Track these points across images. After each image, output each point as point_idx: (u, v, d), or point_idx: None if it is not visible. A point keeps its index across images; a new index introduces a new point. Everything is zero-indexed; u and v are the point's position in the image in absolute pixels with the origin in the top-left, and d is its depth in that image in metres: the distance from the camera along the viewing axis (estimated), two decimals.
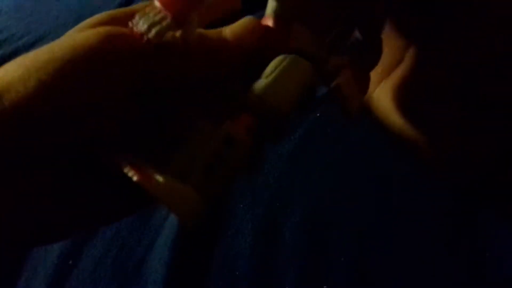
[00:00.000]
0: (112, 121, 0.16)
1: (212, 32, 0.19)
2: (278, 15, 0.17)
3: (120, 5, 0.79)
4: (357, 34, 0.19)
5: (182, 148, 0.15)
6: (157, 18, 0.15)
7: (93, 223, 0.19)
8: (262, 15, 0.18)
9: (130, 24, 0.16)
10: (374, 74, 0.19)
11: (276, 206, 0.38)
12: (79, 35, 0.16)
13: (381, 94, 0.21)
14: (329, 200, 0.38)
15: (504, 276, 0.31)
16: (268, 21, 0.18)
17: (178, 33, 0.15)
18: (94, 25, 0.18)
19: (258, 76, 0.17)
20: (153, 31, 0.15)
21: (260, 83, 0.16)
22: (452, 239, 0.33)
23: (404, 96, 0.21)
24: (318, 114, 0.42)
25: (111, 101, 0.15)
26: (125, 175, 0.14)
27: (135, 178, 0.14)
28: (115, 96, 0.15)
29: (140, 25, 0.15)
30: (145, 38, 0.15)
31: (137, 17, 0.15)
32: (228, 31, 0.18)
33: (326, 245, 0.35)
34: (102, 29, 0.16)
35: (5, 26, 0.80)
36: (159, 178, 0.13)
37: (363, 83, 0.18)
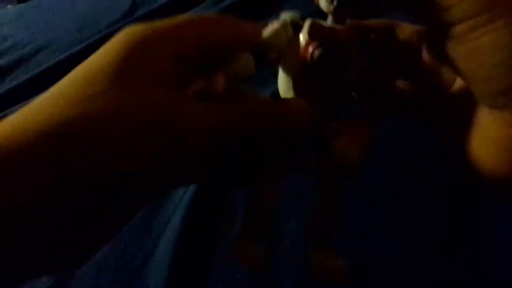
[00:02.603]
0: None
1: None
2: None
3: (124, 15, 0.80)
4: None
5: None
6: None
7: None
8: None
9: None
10: None
11: (276, 210, 0.38)
12: None
13: None
14: None
15: (502, 277, 0.31)
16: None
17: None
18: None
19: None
20: None
21: None
22: (450, 240, 0.34)
23: None
24: None
25: None
26: None
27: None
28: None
29: None
30: None
31: None
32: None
33: None
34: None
35: (10, 34, 0.82)
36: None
37: (364, 137, 0.20)
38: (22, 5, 0.99)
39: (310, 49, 0.19)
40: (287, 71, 0.21)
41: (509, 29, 0.14)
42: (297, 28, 0.20)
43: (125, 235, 0.40)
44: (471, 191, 0.34)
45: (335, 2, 0.19)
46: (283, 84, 0.22)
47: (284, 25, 0.20)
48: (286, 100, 0.21)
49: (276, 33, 0.20)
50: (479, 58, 0.15)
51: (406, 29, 0.21)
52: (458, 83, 0.19)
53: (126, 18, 0.76)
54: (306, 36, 0.20)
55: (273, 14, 0.68)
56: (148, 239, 0.39)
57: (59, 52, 0.73)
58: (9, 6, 1.01)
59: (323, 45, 0.19)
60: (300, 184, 0.40)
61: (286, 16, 0.21)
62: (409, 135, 0.38)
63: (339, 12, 0.19)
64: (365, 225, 0.36)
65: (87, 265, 0.38)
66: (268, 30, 0.20)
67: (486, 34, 0.14)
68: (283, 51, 0.20)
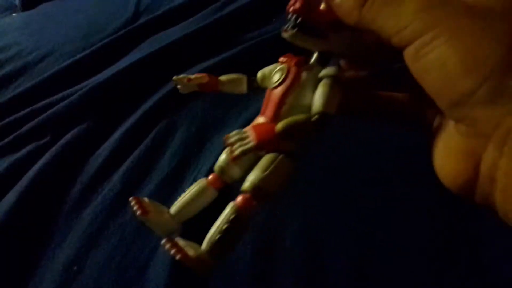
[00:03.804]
0: None
1: None
2: None
3: (127, 23, 0.81)
4: None
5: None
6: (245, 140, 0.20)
7: None
8: None
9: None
10: None
11: (276, 214, 0.39)
12: None
13: None
14: (328, 207, 0.38)
15: (502, 277, 0.31)
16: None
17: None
18: None
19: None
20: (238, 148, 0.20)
21: (259, 175, 0.21)
22: (450, 240, 0.34)
23: None
24: None
25: None
26: None
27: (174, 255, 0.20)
28: None
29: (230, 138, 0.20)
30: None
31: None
32: None
33: (325, 251, 0.35)
34: None
35: (15, 42, 0.83)
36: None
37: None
38: (26, 13, 1.00)
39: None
40: None
41: (449, 44, 0.15)
42: None
43: (127, 238, 0.40)
44: None
45: (290, 26, 0.20)
46: None
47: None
48: None
49: (269, 72, 0.24)
50: (429, 74, 0.16)
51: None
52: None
53: (129, 26, 0.77)
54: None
55: (273, 21, 0.69)
56: (149, 241, 0.39)
57: (63, 59, 0.74)
58: (13, 14, 1.02)
59: (284, 66, 0.22)
60: (300, 185, 0.40)
61: (282, 58, 0.23)
62: (409, 135, 0.38)
63: (288, 34, 0.21)
64: (365, 225, 0.36)
65: (88, 268, 0.38)
66: (266, 69, 0.24)
67: (431, 51, 0.15)
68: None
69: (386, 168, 0.39)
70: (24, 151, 0.53)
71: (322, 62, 0.22)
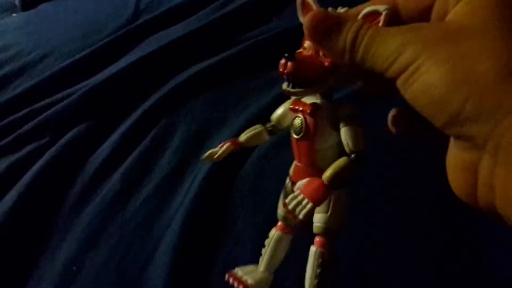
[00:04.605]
0: None
1: None
2: None
3: (127, 22, 0.81)
4: None
5: None
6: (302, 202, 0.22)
7: None
8: None
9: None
10: None
11: (276, 215, 0.38)
12: None
13: None
14: None
15: (502, 277, 0.31)
16: None
17: None
18: None
19: None
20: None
21: (325, 217, 0.24)
22: (450, 241, 0.34)
23: None
24: None
25: None
26: None
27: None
28: None
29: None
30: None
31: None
32: None
33: None
34: None
35: (14, 42, 0.83)
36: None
37: (317, 193, 0.22)
38: (26, 13, 1.00)
39: (293, 118, 0.24)
40: None
41: (430, 72, 0.16)
42: None
43: (126, 238, 0.40)
44: None
45: (289, 85, 0.22)
46: None
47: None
48: None
49: (283, 113, 0.25)
50: (419, 100, 0.17)
51: None
52: None
53: (129, 25, 0.77)
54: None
55: (273, 19, 0.69)
56: (148, 242, 0.39)
57: (62, 59, 0.74)
58: (13, 15, 1.02)
59: (301, 116, 0.23)
60: None
61: (294, 106, 0.24)
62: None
63: (290, 92, 0.22)
64: (365, 225, 0.36)
65: (87, 268, 0.38)
66: (279, 110, 0.25)
67: (416, 80, 0.17)
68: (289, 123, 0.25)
69: (387, 168, 0.39)
70: (24, 151, 0.53)
71: (327, 96, 0.23)
